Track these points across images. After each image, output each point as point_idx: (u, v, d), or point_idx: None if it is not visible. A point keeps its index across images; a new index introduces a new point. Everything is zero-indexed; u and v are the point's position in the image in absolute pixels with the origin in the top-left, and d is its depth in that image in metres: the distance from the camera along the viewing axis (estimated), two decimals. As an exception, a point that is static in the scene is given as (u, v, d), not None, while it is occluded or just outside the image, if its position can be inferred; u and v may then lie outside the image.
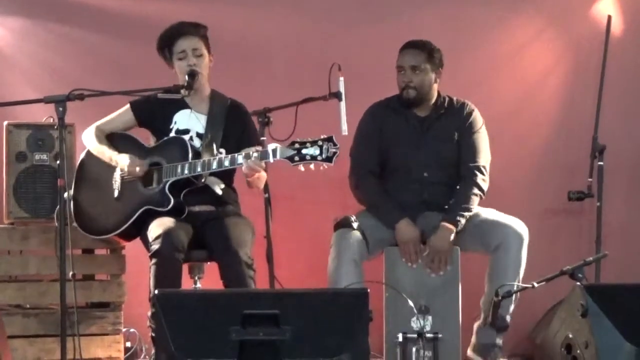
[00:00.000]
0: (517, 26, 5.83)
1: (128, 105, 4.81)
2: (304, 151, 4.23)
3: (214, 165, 4.50)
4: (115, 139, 4.81)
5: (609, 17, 5.66)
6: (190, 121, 4.77)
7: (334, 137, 4.25)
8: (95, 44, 5.54)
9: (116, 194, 4.69)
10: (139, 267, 4.72)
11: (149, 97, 4.68)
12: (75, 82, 4.49)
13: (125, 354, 4.97)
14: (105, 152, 4.73)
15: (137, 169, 4.61)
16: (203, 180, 4.60)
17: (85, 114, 4.73)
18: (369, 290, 3.57)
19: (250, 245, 4.54)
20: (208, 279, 4.69)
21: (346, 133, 4.53)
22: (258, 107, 4.58)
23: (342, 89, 4.53)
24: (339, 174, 4.90)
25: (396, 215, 4.79)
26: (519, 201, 5.49)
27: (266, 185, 4.54)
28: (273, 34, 5.64)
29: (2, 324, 4.03)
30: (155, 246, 4.40)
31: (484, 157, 4.91)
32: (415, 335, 4.58)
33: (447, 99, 5.00)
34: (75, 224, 4.69)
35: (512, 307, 4.73)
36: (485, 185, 4.87)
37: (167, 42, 4.75)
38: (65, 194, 4.25)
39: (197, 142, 4.71)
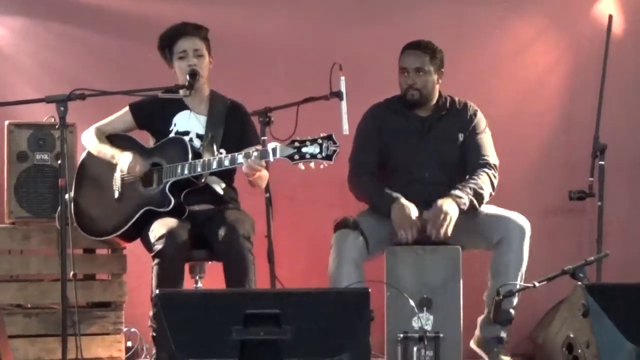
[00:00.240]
0: (518, 26, 5.83)
1: (127, 108, 4.81)
2: (303, 150, 4.24)
3: (214, 165, 4.50)
4: (115, 140, 4.81)
5: (610, 17, 5.65)
6: (190, 122, 4.77)
7: (333, 135, 4.25)
8: (96, 43, 5.54)
9: (116, 194, 4.69)
10: (140, 266, 4.73)
11: (148, 99, 4.69)
12: (76, 82, 4.49)
13: (126, 353, 4.97)
14: (107, 151, 4.73)
15: (138, 167, 4.61)
16: (203, 180, 4.60)
17: (86, 113, 4.73)
18: (370, 290, 3.57)
19: (249, 225, 4.54)
20: (209, 278, 4.69)
21: (347, 132, 4.53)
22: (259, 106, 4.58)
23: (343, 89, 4.53)
24: (340, 174, 4.90)
25: (391, 197, 4.75)
26: (520, 200, 5.48)
27: (267, 184, 4.55)
28: (274, 34, 5.64)
29: (3, 323, 4.03)
30: (158, 246, 4.40)
31: (493, 157, 4.91)
32: (416, 335, 4.59)
33: (448, 99, 5.00)
34: (75, 225, 4.69)
35: (515, 301, 4.71)
36: (495, 182, 4.85)
37: (168, 42, 4.75)
38: (67, 194, 4.25)
39: (197, 143, 4.71)
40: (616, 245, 5.30)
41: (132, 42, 5.52)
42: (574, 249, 5.57)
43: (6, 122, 4.93)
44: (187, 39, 4.71)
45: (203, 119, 4.77)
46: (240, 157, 4.42)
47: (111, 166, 4.73)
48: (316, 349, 3.46)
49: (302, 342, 3.45)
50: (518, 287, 4.39)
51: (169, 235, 4.40)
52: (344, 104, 4.52)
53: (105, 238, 4.72)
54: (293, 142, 4.26)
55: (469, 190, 4.74)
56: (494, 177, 4.86)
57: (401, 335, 4.61)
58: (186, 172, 4.53)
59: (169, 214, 4.54)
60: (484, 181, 4.80)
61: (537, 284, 4.08)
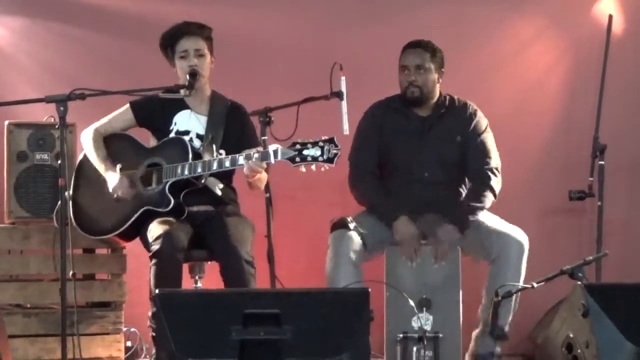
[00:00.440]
0: (518, 26, 5.83)
1: (128, 105, 4.81)
2: (305, 152, 4.23)
3: (215, 166, 4.49)
4: (114, 140, 4.81)
5: (610, 17, 5.65)
6: (190, 122, 4.76)
7: (335, 138, 4.25)
8: (96, 43, 5.54)
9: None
10: (139, 266, 4.72)
11: (149, 98, 4.68)
12: (76, 82, 4.49)
13: (125, 353, 4.97)
14: (96, 162, 4.72)
15: (120, 192, 4.59)
16: (203, 181, 4.60)
17: (86, 113, 4.72)
18: (369, 290, 3.57)
19: (250, 243, 4.54)
20: (208, 278, 4.69)
21: (347, 132, 4.52)
22: (259, 106, 4.58)
23: (343, 89, 4.52)
24: (340, 175, 4.89)
25: (394, 213, 4.78)
26: (520, 200, 5.49)
27: (267, 185, 4.54)
28: (274, 34, 5.64)
29: (3, 323, 4.03)
30: (155, 246, 4.40)
31: (495, 159, 4.91)
32: (415, 335, 4.59)
33: (448, 98, 5.00)
34: (74, 225, 4.69)
35: (510, 317, 4.71)
36: (498, 187, 4.86)
37: (170, 41, 4.74)
38: (66, 194, 4.24)
39: (197, 143, 4.71)
40: (616, 245, 5.31)
41: (132, 42, 5.52)
42: (573, 249, 5.57)
43: (6, 122, 4.93)
44: (189, 39, 4.71)
45: (203, 119, 4.77)
46: (241, 159, 4.42)
47: (111, 166, 4.72)
48: (316, 349, 3.46)
49: (302, 342, 3.45)
50: (517, 287, 4.38)
51: (166, 236, 4.39)
52: (344, 104, 4.52)
53: (104, 237, 4.72)
54: (294, 144, 4.26)
55: (472, 210, 4.76)
56: (497, 183, 4.86)
57: (401, 335, 4.61)
58: (186, 172, 4.53)
59: (168, 214, 4.54)
60: (486, 199, 4.80)
61: (536, 285, 4.08)
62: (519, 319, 4.83)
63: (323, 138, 4.24)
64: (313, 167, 4.25)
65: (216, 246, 4.54)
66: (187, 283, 4.62)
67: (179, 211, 4.57)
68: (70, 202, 4.70)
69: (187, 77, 4.62)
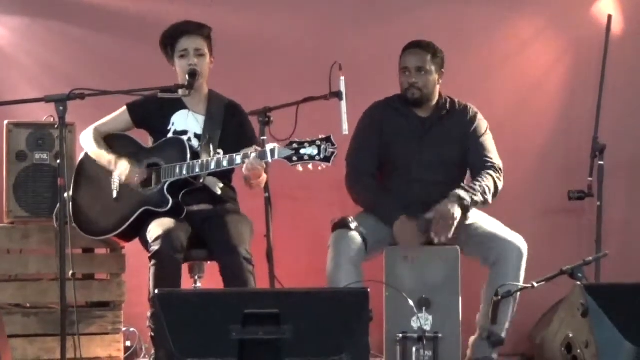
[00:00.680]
0: (517, 26, 5.83)
1: (125, 107, 4.81)
2: (302, 151, 4.23)
3: (213, 166, 4.49)
4: (113, 140, 4.81)
5: (610, 17, 5.65)
6: (188, 122, 4.76)
7: (332, 137, 4.24)
8: (96, 43, 5.54)
9: (115, 194, 4.69)
10: (138, 266, 4.72)
11: (146, 98, 4.68)
12: (76, 81, 4.50)
13: (125, 353, 4.97)
14: (103, 156, 4.72)
15: (136, 178, 4.60)
16: (202, 180, 4.60)
17: (86, 113, 4.72)
18: (369, 290, 3.57)
19: (249, 241, 4.54)
20: (208, 278, 4.69)
21: (347, 133, 4.52)
22: (258, 106, 4.57)
23: (343, 89, 4.52)
24: (339, 174, 4.90)
25: (394, 212, 4.78)
26: (520, 201, 5.49)
27: (266, 184, 4.54)
28: (274, 34, 5.64)
29: (2, 323, 4.03)
30: (155, 247, 4.40)
31: (496, 158, 4.92)
32: (415, 335, 4.59)
33: (448, 100, 5.00)
34: (74, 225, 4.69)
35: (507, 324, 4.71)
36: (500, 185, 4.86)
37: (170, 40, 4.75)
38: (65, 194, 4.24)
39: (195, 143, 4.71)
40: (615, 245, 5.31)
41: (132, 42, 5.52)
42: (573, 249, 5.56)
43: (5, 122, 4.93)
44: (188, 38, 4.71)
45: (201, 118, 4.77)
46: (238, 158, 4.42)
47: (109, 167, 4.74)
48: (315, 349, 3.46)
49: (301, 341, 3.45)
50: (517, 287, 4.38)
51: (166, 236, 4.39)
52: (343, 104, 4.51)
53: (104, 237, 4.72)
54: (291, 143, 4.26)
55: (472, 191, 4.73)
56: (499, 179, 4.86)
57: (400, 335, 4.61)
58: (184, 172, 4.53)
59: (167, 214, 4.54)
60: (488, 184, 4.80)
61: (535, 284, 4.07)
62: (519, 319, 4.83)
63: (320, 137, 4.24)
64: (310, 166, 4.25)
65: (215, 245, 4.55)
66: (187, 283, 4.62)
67: (178, 211, 4.57)
68: (70, 203, 4.70)
69: (187, 76, 4.62)
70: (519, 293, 4.55)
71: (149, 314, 4.39)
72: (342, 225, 4.76)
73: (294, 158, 4.24)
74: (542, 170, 5.78)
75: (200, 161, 4.53)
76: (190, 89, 4.60)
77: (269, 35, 5.64)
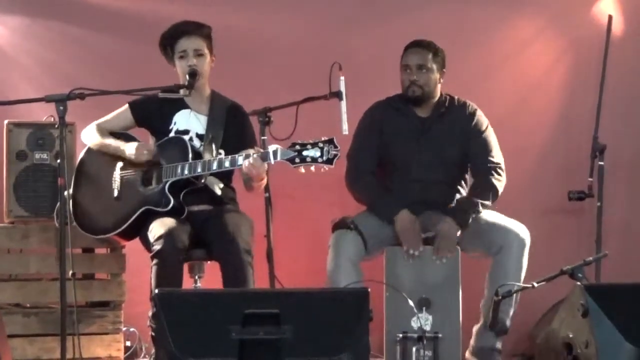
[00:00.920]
0: (517, 26, 5.83)
1: (127, 105, 4.81)
2: (304, 153, 4.23)
3: (214, 166, 4.49)
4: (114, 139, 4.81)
5: (610, 17, 5.65)
6: (190, 121, 4.76)
7: (334, 139, 4.24)
8: (96, 43, 5.54)
9: (116, 193, 4.69)
10: (139, 266, 4.73)
11: (149, 97, 4.68)
12: (76, 81, 4.50)
13: (125, 353, 4.97)
14: (111, 143, 4.72)
15: (145, 152, 4.59)
16: (203, 180, 4.59)
17: (86, 113, 4.72)
18: (369, 290, 3.57)
19: (248, 234, 4.53)
20: (208, 278, 4.69)
21: (347, 133, 4.53)
22: (258, 106, 4.58)
23: (342, 89, 4.53)
24: (339, 174, 4.90)
25: (395, 208, 4.77)
26: (519, 200, 5.49)
27: (267, 184, 4.54)
28: (274, 33, 5.64)
29: (2, 323, 4.03)
30: (157, 246, 4.40)
31: (498, 156, 4.92)
32: (415, 335, 4.59)
33: (448, 98, 5.00)
34: (74, 224, 4.68)
35: (512, 311, 4.72)
36: (500, 186, 4.86)
37: (169, 41, 4.74)
38: (66, 193, 4.24)
39: (196, 143, 4.71)
40: (615, 246, 5.32)
41: (132, 42, 5.52)
42: (573, 249, 5.56)
43: (5, 121, 4.93)
44: (188, 38, 4.71)
45: (203, 118, 4.77)
46: (240, 159, 4.42)
47: (111, 165, 4.73)
48: (315, 349, 3.46)
49: (301, 341, 3.45)
50: (517, 287, 4.38)
51: (168, 236, 4.39)
52: (343, 104, 4.52)
53: (104, 236, 4.71)
54: (294, 145, 4.25)
55: (473, 208, 4.75)
56: (499, 181, 4.87)
57: (400, 335, 4.61)
58: (186, 172, 4.53)
59: (168, 213, 4.54)
60: (489, 194, 4.80)
61: (536, 284, 4.07)
62: (519, 319, 4.83)
63: (322, 139, 4.24)
64: (312, 168, 4.25)
65: (215, 242, 4.53)
66: (187, 283, 4.62)
67: (179, 211, 4.57)
68: (71, 201, 4.70)
69: (187, 77, 4.62)
70: (523, 274, 4.59)
71: (149, 313, 4.39)
72: (342, 225, 4.76)
73: (297, 160, 4.23)
74: (542, 170, 5.78)
75: (202, 161, 4.53)
76: (191, 89, 4.60)
77: (269, 35, 5.64)
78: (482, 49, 5.76)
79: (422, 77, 4.89)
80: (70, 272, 4.28)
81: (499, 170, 4.89)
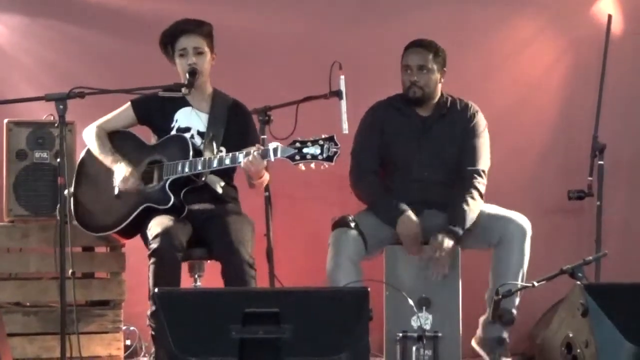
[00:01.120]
0: (517, 26, 5.83)
1: (129, 103, 4.81)
2: (304, 150, 4.23)
3: (215, 164, 4.49)
4: (116, 137, 4.80)
5: (610, 17, 5.65)
6: (191, 119, 4.77)
7: (335, 137, 4.25)
8: (96, 41, 5.54)
9: (116, 191, 4.68)
10: (138, 265, 4.72)
11: (150, 95, 4.68)
12: (76, 80, 4.49)
13: (125, 352, 4.97)
14: (106, 157, 4.72)
15: (129, 183, 4.58)
16: (203, 178, 4.59)
17: (86, 112, 4.72)
18: (369, 289, 3.57)
19: (251, 244, 4.53)
20: (208, 277, 4.69)
21: (347, 132, 4.53)
22: (259, 105, 4.58)
23: (342, 88, 4.53)
24: (339, 173, 4.89)
25: (397, 210, 4.77)
26: (519, 200, 5.47)
27: (267, 183, 4.54)
28: (274, 32, 5.64)
29: (2, 322, 4.03)
30: (154, 245, 4.40)
31: (484, 162, 4.91)
32: (415, 334, 4.59)
33: (449, 98, 5.00)
34: (75, 222, 4.69)
35: (517, 300, 4.71)
36: (483, 189, 4.87)
37: (169, 39, 4.75)
38: (65, 192, 4.25)
39: (198, 141, 4.71)
40: (615, 245, 5.32)
41: (132, 41, 5.52)
42: (573, 249, 5.56)
43: (5, 120, 4.93)
44: (188, 37, 4.71)
45: (204, 116, 4.77)
46: (241, 157, 4.42)
47: (111, 163, 4.74)
48: (315, 348, 3.46)
49: (301, 341, 3.45)
50: (517, 287, 4.38)
51: (165, 234, 4.39)
52: (343, 103, 4.52)
53: (104, 234, 4.71)
54: (294, 142, 4.26)
55: (462, 222, 4.71)
56: (482, 184, 4.85)
57: (400, 334, 4.61)
58: (187, 170, 4.53)
59: (169, 211, 4.54)
60: (474, 204, 4.76)
61: (536, 284, 4.08)
62: (519, 319, 4.83)
63: (323, 136, 4.24)
64: (312, 165, 4.25)
65: (217, 246, 4.53)
66: (187, 282, 4.62)
67: (180, 209, 4.57)
68: (72, 199, 4.70)
69: (187, 75, 4.62)
70: (525, 263, 4.59)
71: (149, 312, 4.39)
72: (342, 223, 4.76)
73: (297, 157, 4.24)
74: (542, 169, 5.78)
75: (203, 159, 4.53)
76: (191, 87, 4.60)
77: (269, 34, 5.64)
78: (482, 49, 5.77)
79: (422, 78, 4.88)
80: (70, 271, 4.29)
81: (482, 174, 4.86)
